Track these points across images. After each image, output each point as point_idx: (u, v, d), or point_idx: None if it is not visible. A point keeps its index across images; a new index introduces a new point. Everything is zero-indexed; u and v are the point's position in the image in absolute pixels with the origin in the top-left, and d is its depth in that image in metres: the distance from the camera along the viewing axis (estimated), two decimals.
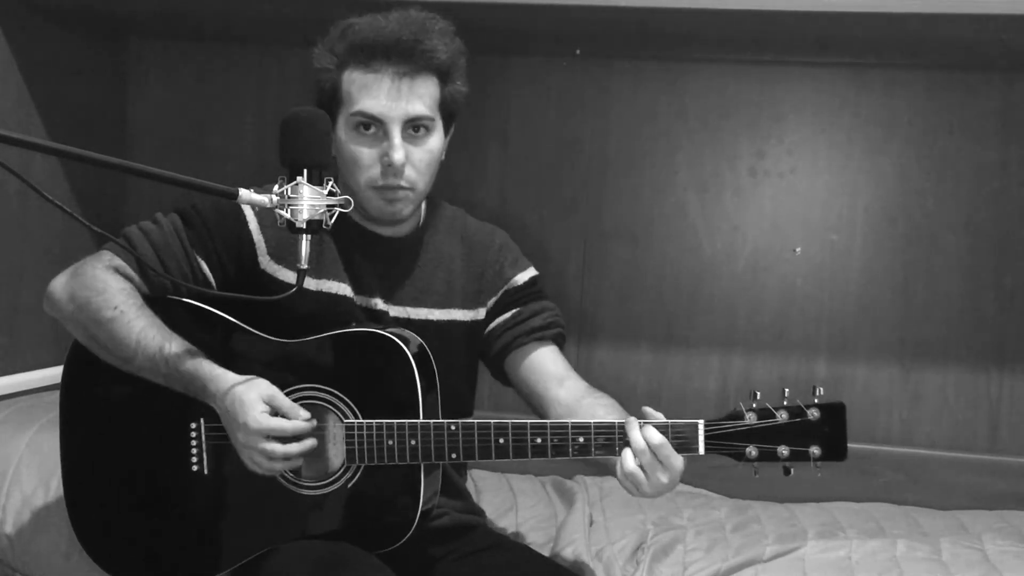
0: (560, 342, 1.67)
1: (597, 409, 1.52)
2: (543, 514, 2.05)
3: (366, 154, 1.49)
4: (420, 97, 1.48)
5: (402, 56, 1.46)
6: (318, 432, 1.47)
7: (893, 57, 2.27)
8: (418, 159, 1.51)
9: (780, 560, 1.84)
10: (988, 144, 2.30)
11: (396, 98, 1.47)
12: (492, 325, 1.66)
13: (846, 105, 2.35)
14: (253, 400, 1.39)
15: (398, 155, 1.47)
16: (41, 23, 2.24)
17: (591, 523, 1.98)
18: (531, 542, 1.86)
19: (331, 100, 1.50)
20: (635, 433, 1.37)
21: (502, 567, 1.58)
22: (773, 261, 2.40)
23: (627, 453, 1.37)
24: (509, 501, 2.10)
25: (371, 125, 1.48)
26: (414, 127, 1.49)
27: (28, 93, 2.21)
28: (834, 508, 2.14)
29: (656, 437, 1.36)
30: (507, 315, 1.65)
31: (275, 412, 1.41)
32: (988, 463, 2.29)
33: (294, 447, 1.40)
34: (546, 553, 1.80)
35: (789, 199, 2.39)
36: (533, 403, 1.63)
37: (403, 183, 1.50)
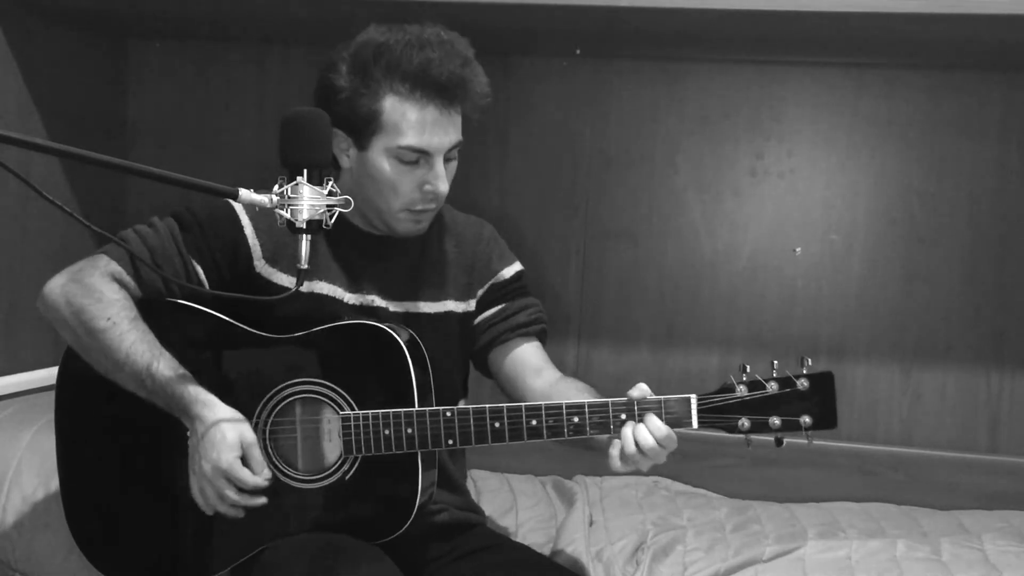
0: (542, 337, 1.72)
1: (570, 391, 1.56)
2: (543, 514, 2.05)
3: (407, 181, 1.52)
4: (456, 127, 1.54)
5: (450, 94, 1.50)
6: (313, 425, 1.48)
7: (893, 57, 2.27)
8: (448, 179, 1.56)
9: (780, 560, 1.85)
10: (988, 144, 2.30)
11: (442, 131, 1.51)
12: (478, 320, 1.69)
13: (846, 105, 2.35)
14: (233, 442, 1.43)
15: (444, 186, 1.54)
16: (41, 23, 2.23)
17: (591, 523, 1.98)
18: (531, 542, 1.85)
19: (366, 123, 1.50)
20: (641, 430, 1.39)
21: (502, 566, 1.58)
22: (773, 261, 2.40)
23: (629, 440, 1.39)
24: (509, 501, 2.10)
25: (415, 156, 1.51)
26: (449, 155, 1.55)
27: (28, 93, 2.21)
28: (834, 508, 2.14)
29: (662, 430, 1.38)
30: (493, 310, 1.68)
31: (244, 460, 1.44)
32: (988, 463, 2.29)
33: (247, 500, 1.44)
34: (546, 553, 1.80)
35: (789, 199, 2.39)
36: (510, 393, 1.67)
37: (436, 205, 1.57)
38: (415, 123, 1.49)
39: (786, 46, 2.22)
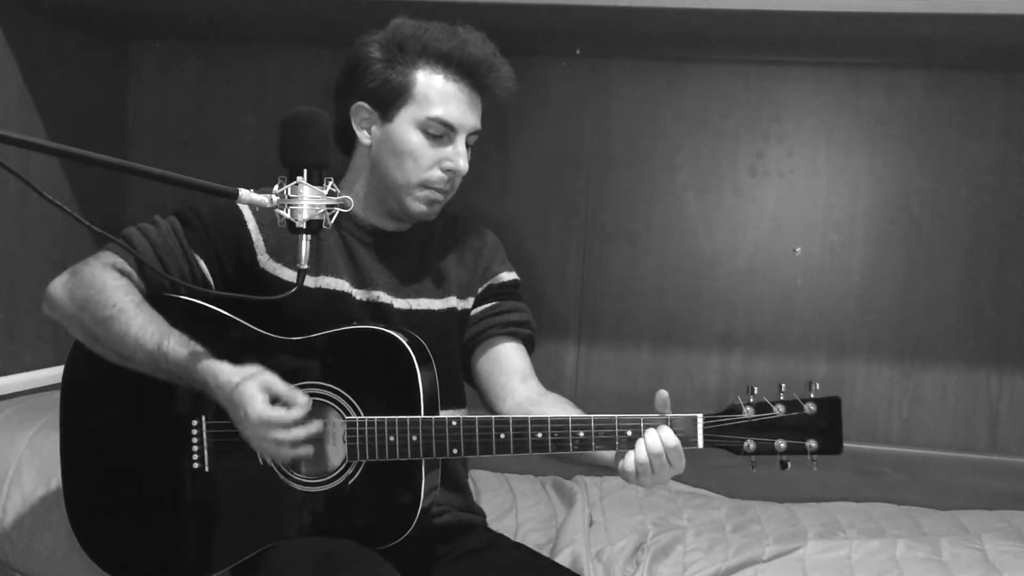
0: (529, 345, 1.71)
1: (564, 403, 1.58)
2: (543, 514, 2.05)
3: (429, 155, 1.56)
4: (479, 112, 1.59)
5: (480, 75, 1.56)
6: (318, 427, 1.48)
7: (893, 57, 2.27)
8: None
9: (780, 560, 1.85)
10: (988, 144, 2.30)
11: (470, 110, 1.57)
12: (470, 315, 1.69)
13: (846, 105, 2.35)
14: (252, 392, 1.41)
15: (464, 162, 1.58)
16: (41, 23, 2.23)
17: (591, 523, 1.98)
18: (531, 542, 1.86)
19: (397, 94, 1.54)
20: (652, 436, 1.39)
21: (502, 566, 1.59)
22: (773, 261, 2.40)
23: (640, 449, 1.39)
24: (509, 501, 2.10)
25: (441, 130, 1.55)
26: (468, 140, 1.59)
27: (28, 93, 2.20)
28: (834, 508, 2.14)
29: (672, 439, 1.38)
30: (484, 307, 1.70)
31: (275, 398, 1.42)
32: (988, 463, 2.29)
33: (299, 431, 1.42)
34: (546, 554, 1.80)
35: (789, 199, 2.39)
36: (489, 394, 1.66)
37: (450, 188, 1.59)
38: (446, 97, 1.54)
39: (786, 46, 2.22)
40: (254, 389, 1.41)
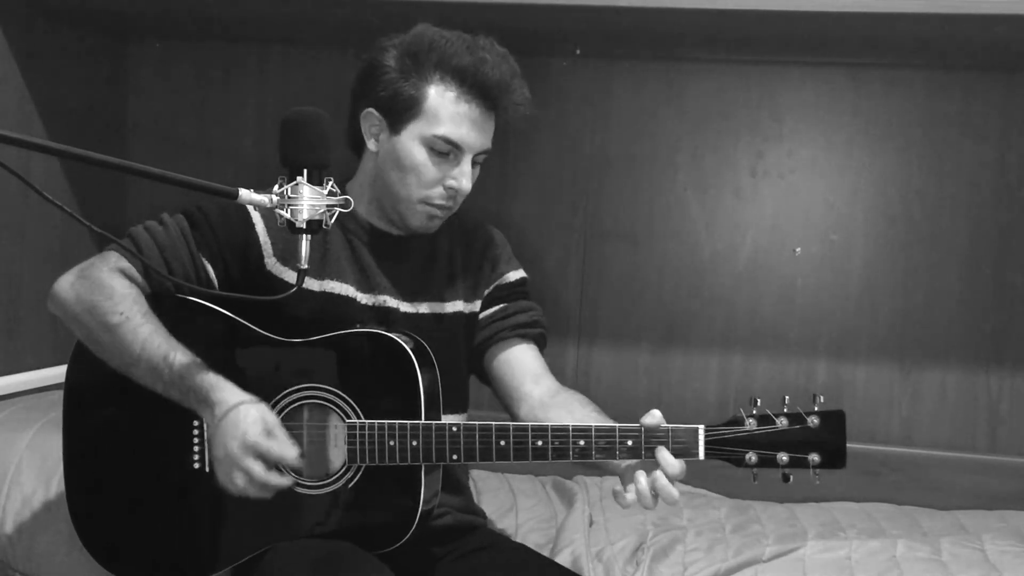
0: (541, 343, 1.71)
1: (574, 404, 1.56)
2: (543, 514, 2.05)
3: (434, 173, 1.54)
4: (490, 133, 1.58)
5: (494, 97, 1.54)
6: (319, 431, 1.48)
7: (893, 57, 2.27)
8: (471, 183, 1.58)
9: (780, 560, 1.85)
10: (988, 144, 2.30)
11: (479, 131, 1.54)
12: (479, 317, 1.69)
13: (846, 105, 2.35)
14: (256, 418, 1.40)
15: (467, 184, 1.56)
16: (41, 23, 2.24)
17: (591, 523, 1.98)
18: (531, 542, 1.86)
19: (407, 107, 1.52)
20: (660, 479, 1.37)
21: (502, 567, 1.58)
22: (773, 261, 2.40)
23: (645, 492, 1.37)
24: (509, 501, 2.10)
25: (447, 148, 1.53)
26: (476, 159, 1.57)
27: (28, 93, 2.21)
28: (834, 508, 2.14)
29: (676, 467, 1.37)
30: (493, 309, 1.69)
31: (269, 434, 1.41)
32: (988, 463, 2.29)
33: (273, 477, 1.40)
34: (546, 554, 1.80)
35: (789, 199, 2.39)
36: (505, 397, 1.66)
37: (453, 205, 1.58)
38: (456, 116, 1.52)
39: (786, 46, 2.22)
40: (257, 415, 1.40)
